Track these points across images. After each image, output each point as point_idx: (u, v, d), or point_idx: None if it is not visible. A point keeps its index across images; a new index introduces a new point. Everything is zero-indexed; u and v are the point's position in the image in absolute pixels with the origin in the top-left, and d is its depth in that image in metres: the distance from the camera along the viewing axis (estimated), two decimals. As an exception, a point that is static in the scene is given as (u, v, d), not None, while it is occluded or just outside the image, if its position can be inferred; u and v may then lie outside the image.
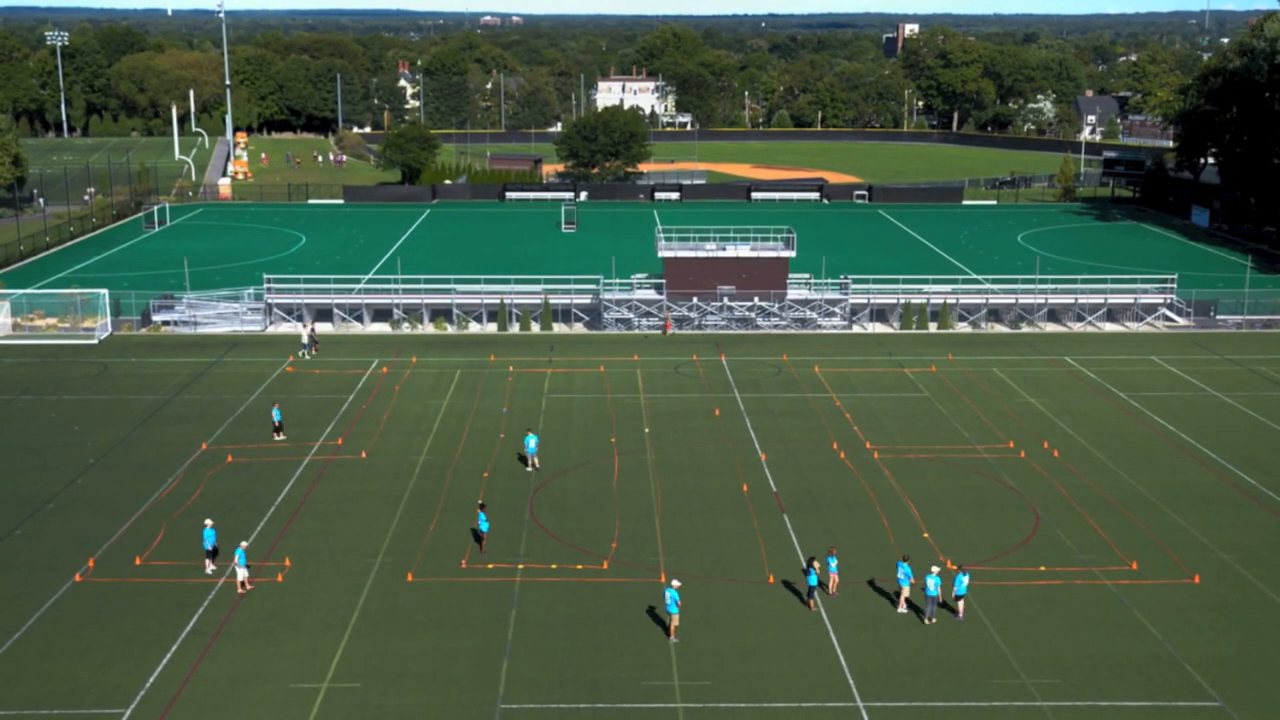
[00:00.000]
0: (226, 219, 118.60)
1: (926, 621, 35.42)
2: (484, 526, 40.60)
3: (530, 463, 48.15)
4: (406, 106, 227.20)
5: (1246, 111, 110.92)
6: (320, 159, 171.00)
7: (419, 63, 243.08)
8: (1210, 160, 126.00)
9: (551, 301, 73.40)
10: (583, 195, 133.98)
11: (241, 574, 37.03)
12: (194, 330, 71.91)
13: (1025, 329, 73.73)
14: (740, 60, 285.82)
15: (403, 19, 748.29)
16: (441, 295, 74.35)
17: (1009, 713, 31.08)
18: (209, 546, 38.79)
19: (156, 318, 72.61)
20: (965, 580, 35.81)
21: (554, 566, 39.00)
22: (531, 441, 48.17)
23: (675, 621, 34.39)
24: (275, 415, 51.97)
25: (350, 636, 34.69)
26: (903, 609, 36.05)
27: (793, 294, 73.45)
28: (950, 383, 61.14)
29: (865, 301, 74.29)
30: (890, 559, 39.30)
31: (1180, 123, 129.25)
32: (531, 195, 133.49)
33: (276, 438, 51.29)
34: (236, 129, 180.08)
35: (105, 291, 71.66)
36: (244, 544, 38.11)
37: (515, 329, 72.75)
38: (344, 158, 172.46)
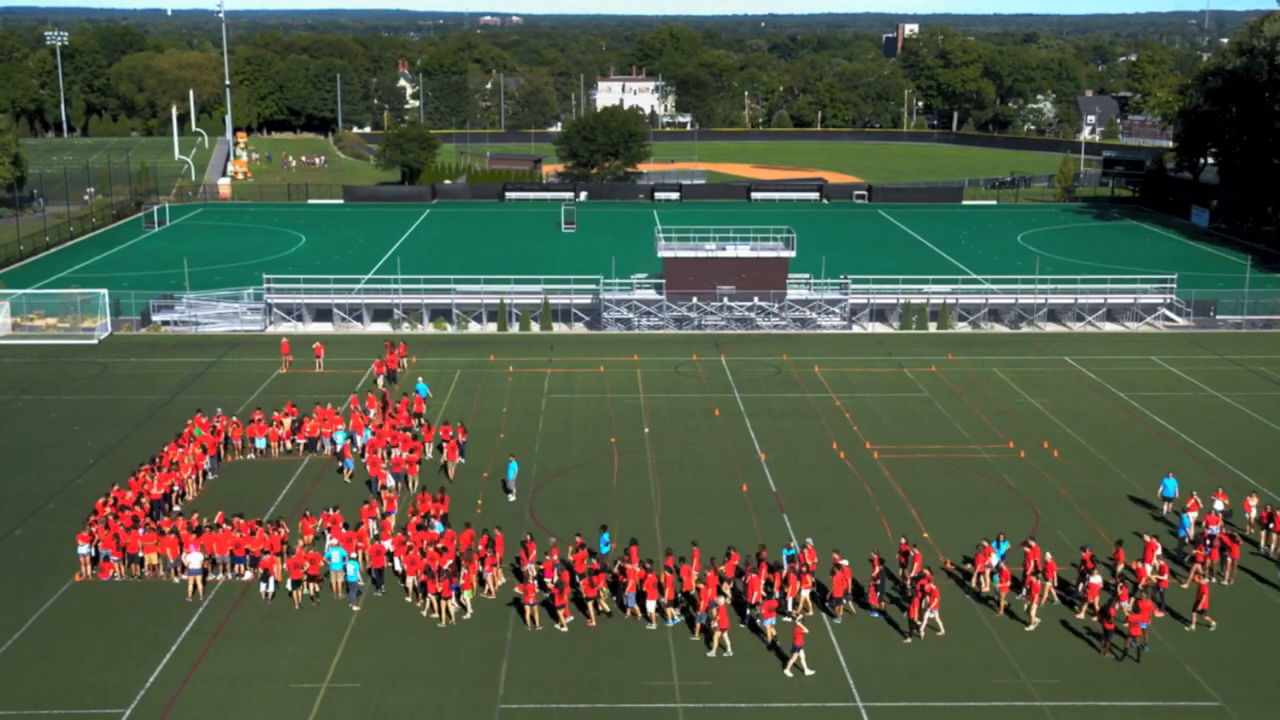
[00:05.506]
0: (226, 219, 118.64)
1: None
2: (604, 548, 38.73)
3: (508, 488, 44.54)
4: (406, 106, 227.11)
5: (1246, 111, 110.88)
6: (318, 161, 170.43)
7: (418, 63, 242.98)
8: (1210, 160, 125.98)
9: (551, 301, 73.40)
10: (582, 195, 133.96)
11: None
12: (194, 330, 71.92)
13: (1025, 329, 73.74)
14: (740, 60, 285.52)
15: (402, 19, 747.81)
16: (441, 295, 74.37)
17: (1009, 713, 31.08)
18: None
19: (156, 318, 72.62)
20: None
21: (554, 566, 38.94)
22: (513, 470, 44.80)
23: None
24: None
25: (350, 636, 34.71)
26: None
27: (792, 294, 73.45)
28: (950, 383, 61.14)
29: (865, 301, 74.30)
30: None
31: (1180, 123, 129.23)
32: (531, 195, 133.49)
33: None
34: (236, 129, 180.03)
35: (105, 291, 71.66)
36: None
37: (515, 329, 72.75)
38: (318, 158, 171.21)
